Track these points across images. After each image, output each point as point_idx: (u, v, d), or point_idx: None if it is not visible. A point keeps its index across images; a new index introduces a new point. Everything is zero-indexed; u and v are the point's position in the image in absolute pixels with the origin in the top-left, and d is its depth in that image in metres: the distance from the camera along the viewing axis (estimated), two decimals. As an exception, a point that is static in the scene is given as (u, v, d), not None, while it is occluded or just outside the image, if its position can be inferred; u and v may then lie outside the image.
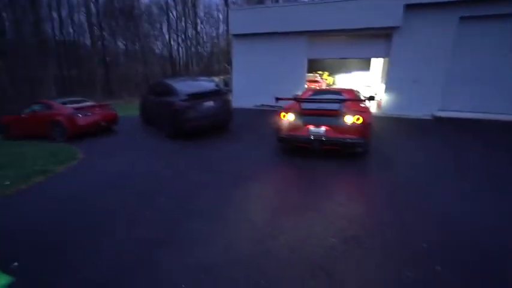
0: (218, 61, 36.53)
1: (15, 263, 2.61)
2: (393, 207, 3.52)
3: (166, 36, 35.47)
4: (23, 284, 2.37)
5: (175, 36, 36.19)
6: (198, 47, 36.81)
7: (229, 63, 28.89)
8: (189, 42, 36.95)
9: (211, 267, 2.49)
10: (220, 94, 7.80)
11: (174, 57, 36.28)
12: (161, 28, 35.61)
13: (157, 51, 35.34)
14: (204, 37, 38.22)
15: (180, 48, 36.96)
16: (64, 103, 8.61)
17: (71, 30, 31.29)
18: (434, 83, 9.70)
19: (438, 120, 9.23)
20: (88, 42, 31.17)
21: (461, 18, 8.99)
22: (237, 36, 12.43)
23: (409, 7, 9.18)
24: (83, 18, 30.58)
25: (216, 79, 17.12)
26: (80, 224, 3.29)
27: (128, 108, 15.92)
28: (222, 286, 2.27)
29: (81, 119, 8.04)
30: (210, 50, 37.45)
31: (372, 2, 9.70)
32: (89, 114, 8.27)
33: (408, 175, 4.60)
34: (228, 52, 29.63)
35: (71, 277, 2.43)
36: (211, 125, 7.50)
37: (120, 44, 34.01)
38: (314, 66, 21.36)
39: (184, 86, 7.68)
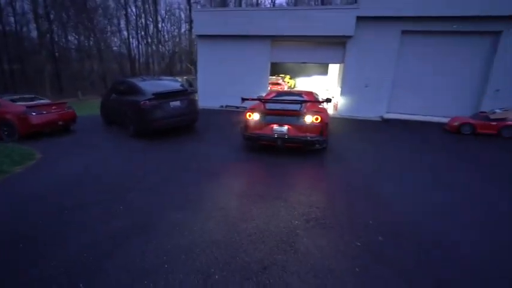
0: (180, 61, 35.88)
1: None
2: (346, 192, 4.10)
3: (125, 33, 33.87)
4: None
5: (134, 33, 34.71)
6: (159, 46, 35.73)
7: (192, 63, 28.62)
8: (149, 40, 35.70)
9: (189, 249, 2.74)
10: (186, 94, 7.90)
11: (134, 55, 34.77)
12: (119, 24, 33.93)
13: (114, 48, 33.52)
14: (166, 36, 37.27)
15: (140, 46, 35.55)
16: (13, 100, 7.99)
17: (12, 19, 28.38)
18: (383, 88, 10.90)
19: (385, 121, 10.39)
20: (34, 34, 28.54)
21: (403, 31, 10.27)
22: (201, 37, 12.57)
23: (360, 19, 10.22)
24: (26, 7, 27.89)
25: (180, 79, 16.97)
26: (50, 220, 3.29)
27: (84, 107, 15.05)
28: (201, 263, 2.54)
29: (35, 118, 7.55)
30: (172, 49, 36.57)
31: (329, 13, 10.61)
32: (44, 112, 7.80)
33: (357, 166, 5.29)
34: (191, 52, 29.30)
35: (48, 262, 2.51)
36: (178, 124, 7.59)
37: (72, 39, 31.69)
38: (277, 69, 22.23)
39: (150, 85, 7.67)
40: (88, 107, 15.12)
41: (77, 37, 31.34)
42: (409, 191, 4.25)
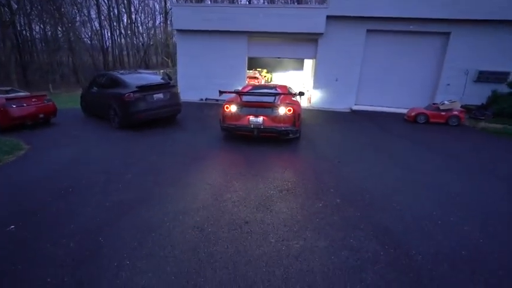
0: (156, 53, 35.32)
1: (12, 226, 3.08)
2: (313, 171, 4.92)
3: (97, 24, 32.72)
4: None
5: (106, 24, 33.61)
6: (134, 38, 34.92)
7: (169, 56, 28.44)
8: (123, 32, 34.77)
9: (185, 212, 3.40)
10: (168, 87, 8.31)
11: (106, 46, 33.73)
12: (89, 13, 32.67)
13: (86, 39, 32.30)
14: (140, 27, 36.44)
15: (113, 38, 34.51)
16: None
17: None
18: (351, 82, 11.95)
19: (354, 112, 11.45)
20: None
21: (368, 30, 11.32)
22: (180, 31, 12.90)
23: (330, 18, 11.11)
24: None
25: (157, 72, 17.10)
26: (57, 198, 3.78)
27: (59, 101, 14.82)
28: (196, 221, 3.21)
29: (16, 110, 7.65)
30: (147, 41, 35.89)
31: (302, 11, 11.42)
32: (24, 105, 7.90)
33: (326, 151, 6.15)
34: (167, 45, 29.03)
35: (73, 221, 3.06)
36: (161, 116, 8.04)
37: (38, 29, 30.09)
38: (254, 64, 22.83)
39: (133, 78, 8.04)
40: (63, 101, 14.89)
41: (42, 27, 29.81)
42: (366, 168, 5.16)
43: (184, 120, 8.93)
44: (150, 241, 2.84)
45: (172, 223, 3.17)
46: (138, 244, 2.80)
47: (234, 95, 6.68)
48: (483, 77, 10.92)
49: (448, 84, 11.29)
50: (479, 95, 10.98)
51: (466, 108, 10.21)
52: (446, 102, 9.68)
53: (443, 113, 9.46)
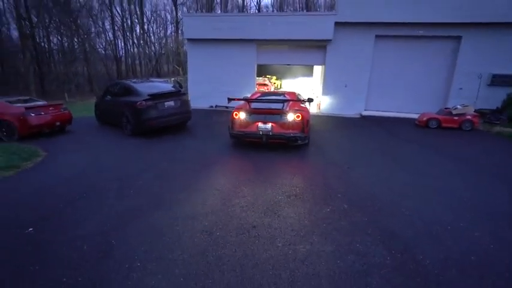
0: (167, 62, 36.19)
1: (31, 229, 3.24)
2: (322, 177, 4.95)
3: (110, 35, 33.91)
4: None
5: (120, 34, 34.79)
6: (146, 47, 35.95)
7: (180, 64, 29.11)
8: (135, 42, 35.86)
9: (194, 217, 3.49)
10: (179, 94, 8.55)
11: (120, 56, 34.83)
12: (103, 24, 33.92)
13: (100, 49, 33.48)
14: (152, 37, 37.50)
15: (126, 47, 35.63)
16: (10, 102, 8.41)
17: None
18: (360, 88, 11.93)
19: (363, 118, 11.39)
20: (14, 34, 28.18)
21: (377, 36, 11.33)
22: (191, 40, 13.25)
23: (338, 24, 11.19)
24: (5, 6, 27.48)
25: (169, 80, 17.56)
26: (71, 201, 3.95)
27: (74, 109, 15.37)
28: (205, 225, 3.29)
29: (34, 119, 8.01)
30: (159, 50, 36.86)
31: (311, 18, 11.56)
32: (42, 113, 8.26)
33: (335, 157, 6.17)
34: (178, 53, 29.72)
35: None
36: (172, 123, 8.25)
37: (55, 40, 31.40)
38: (263, 70, 23.09)
39: (145, 87, 8.30)
40: (77, 109, 15.44)
41: (60, 38, 31.11)
42: (376, 173, 5.14)
43: (194, 127, 9.12)
44: (160, 244, 2.94)
45: (181, 227, 3.27)
46: (149, 247, 2.90)
47: (243, 102, 6.78)
48: (497, 80, 10.70)
49: (461, 89, 11.10)
50: (493, 98, 10.74)
51: (480, 113, 10.00)
52: (459, 106, 9.53)
53: (456, 118, 9.31)
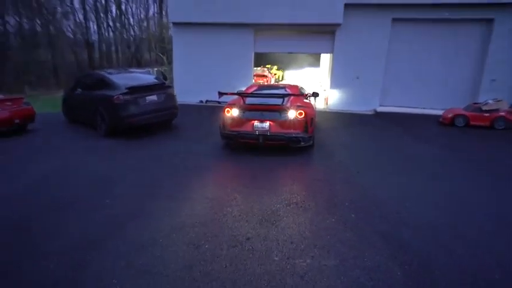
0: (149, 49, 36.33)
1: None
2: (327, 183, 5.13)
3: (81, 15, 33.96)
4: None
5: (92, 15, 34.89)
6: (124, 31, 36.09)
7: (164, 52, 29.25)
8: (111, 24, 36.00)
9: (180, 228, 3.64)
10: (163, 88, 8.73)
11: (92, 42, 34.92)
12: (72, 3, 33.74)
13: (68, 33, 33.54)
14: (131, 19, 37.66)
15: (100, 32, 35.73)
16: None
17: None
18: (374, 80, 12.15)
19: (378, 115, 11.61)
20: None
21: (394, 19, 11.56)
22: (177, 24, 13.43)
23: (348, 6, 11.41)
24: None
25: (151, 71, 17.74)
26: (41, 214, 4.09)
27: (37, 105, 15.44)
28: (191, 238, 3.44)
29: (-13, 115, 7.96)
30: (139, 35, 37.02)
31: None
32: (-4, 109, 8.18)
33: (343, 160, 6.37)
34: (162, 39, 29.89)
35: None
36: (155, 121, 8.40)
37: (12, 21, 31.11)
38: (263, 59, 23.30)
39: (123, 79, 8.44)
40: (40, 104, 15.53)
41: (18, 19, 30.79)
42: (390, 179, 5.32)
43: (181, 126, 9.28)
44: (140, 260, 3.08)
45: (165, 240, 3.41)
46: (127, 263, 3.03)
47: (236, 96, 6.93)
48: (538, 70, 10.92)
49: (493, 80, 11.32)
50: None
51: (516, 109, 10.22)
52: (490, 101, 9.72)
53: (486, 115, 9.49)
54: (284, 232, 3.56)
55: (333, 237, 3.46)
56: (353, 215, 3.98)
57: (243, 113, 6.47)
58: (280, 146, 6.60)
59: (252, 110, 6.45)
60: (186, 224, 3.73)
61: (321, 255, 3.13)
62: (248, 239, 3.43)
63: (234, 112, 6.50)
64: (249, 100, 6.61)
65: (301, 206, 4.22)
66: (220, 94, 6.70)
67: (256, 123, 6.35)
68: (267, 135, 6.27)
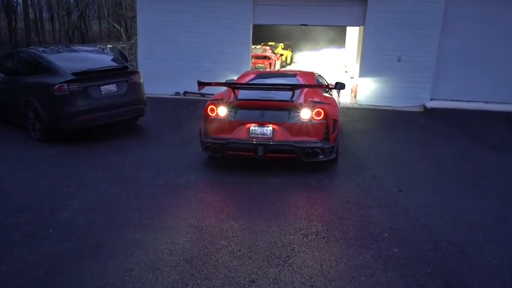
0: (99, 17, 36.63)
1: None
2: (358, 206, 5.34)
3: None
4: None
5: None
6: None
7: (122, 22, 29.46)
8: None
9: (157, 267, 3.79)
10: (125, 73, 8.91)
11: (15, 6, 35.08)
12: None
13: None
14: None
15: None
16: None
17: None
18: (424, 64, 12.37)
19: (428, 111, 11.90)
20: None
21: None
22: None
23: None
24: None
25: (106, 49, 17.86)
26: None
27: None
28: (174, 280, 3.59)
29: None
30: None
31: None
32: None
33: (379, 174, 6.57)
34: (118, 3, 30.18)
35: None
36: (113, 120, 8.56)
37: None
38: (264, 35, 23.53)
39: (66, 59, 8.64)
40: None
41: None
42: (444, 201, 5.52)
43: (150, 128, 9.50)
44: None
45: (137, 283, 3.55)
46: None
47: (225, 89, 6.87)
48: None
49: None
50: None
51: None
52: None
53: None
54: (301, 272, 3.72)
55: (369, 278, 3.63)
56: (396, 250, 4.16)
57: (235, 112, 6.37)
58: (288, 159, 6.57)
59: (247, 109, 6.37)
60: (165, 262, 3.87)
61: (354, 303, 3.31)
62: (252, 281, 3.58)
63: (221, 111, 6.37)
64: (243, 94, 6.51)
65: (324, 237, 4.40)
66: (201, 85, 6.54)
67: (253, 127, 6.24)
68: (269, 145, 6.11)
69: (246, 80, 7.65)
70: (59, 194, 5.64)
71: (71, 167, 6.85)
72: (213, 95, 7.19)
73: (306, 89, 6.66)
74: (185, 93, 13.72)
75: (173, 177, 6.38)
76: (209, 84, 6.50)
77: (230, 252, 4.09)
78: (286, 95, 6.19)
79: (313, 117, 6.10)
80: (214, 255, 4.01)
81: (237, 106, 6.36)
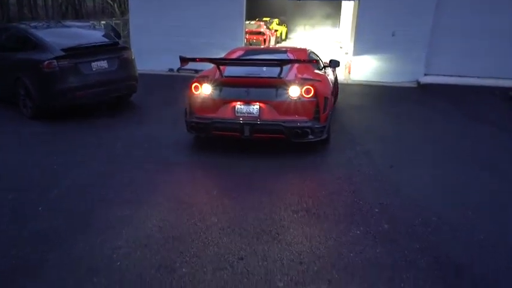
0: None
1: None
2: (349, 182, 5.29)
3: None
4: None
5: None
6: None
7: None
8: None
9: (146, 244, 3.73)
10: (116, 50, 8.77)
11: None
12: None
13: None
14: None
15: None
16: None
17: None
18: (418, 39, 12.25)
19: (422, 87, 11.81)
20: None
21: None
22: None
23: None
24: None
25: (98, 25, 17.51)
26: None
27: None
28: (162, 257, 3.54)
29: None
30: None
31: None
32: None
33: (371, 150, 6.53)
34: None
35: None
36: (105, 97, 8.53)
37: None
38: (259, 10, 23.24)
39: (56, 35, 8.44)
40: None
41: None
42: (436, 177, 5.51)
43: (142, 105, 9.38)
44: (89, 289, 3.18)
45: (124, 261, 3.50)
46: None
47: (211, 66, 6.53)
48: None
49: None
50: None
51: None
52: None
53: None
54: (290, 249, 3.68)
55: (359, 255, 3.59)
56: (386, 226, 4.12)
57: (220, 90, 6.10)
58: (275, 140, 6.41)
59: (232, 86, 6.15)
60: (154, 239, 3.83)
61: (342, 280, 3.25)
62: (241, 258, 3.54)
63: (206, 89, 6.09)
64: (228, 71, 6.23)
65: (314, 214, 4.35)
66: (184, 61, 6.19)
67: (239, 105, 5.96)
68: (256, 124, 5.88)
69: (234, 56, 7.35)
70: (49, 171, 5.56)
71: (62, 144, 6.77)
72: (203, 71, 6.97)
73: (296, 65, 6.36)
74: (179, 69, 13.45)
75: (165, 154, 6.31)
76: (193, 59, 6.18)
77: (220, 229, 4.04)
78: (274, 71, 5.86)
79: (302, 95, 5.80)
80: (204, 232, 3.97)
81: (222, 83, 6.09)
